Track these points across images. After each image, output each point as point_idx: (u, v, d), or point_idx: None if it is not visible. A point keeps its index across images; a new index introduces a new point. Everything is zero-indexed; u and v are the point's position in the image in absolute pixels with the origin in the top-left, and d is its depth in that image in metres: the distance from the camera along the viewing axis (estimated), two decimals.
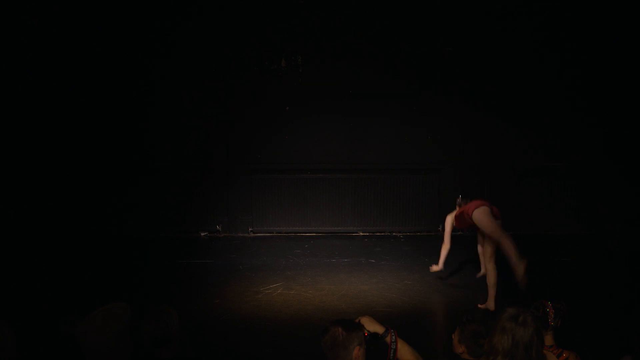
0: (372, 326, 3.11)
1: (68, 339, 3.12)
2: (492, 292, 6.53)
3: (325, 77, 9.57)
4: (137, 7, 9.20)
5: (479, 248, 7.07)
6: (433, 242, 9.47)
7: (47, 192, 9.27)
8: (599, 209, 9.66)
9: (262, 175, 9.81)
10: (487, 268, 6.62)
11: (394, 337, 3.13)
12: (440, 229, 9.81)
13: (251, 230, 9.90)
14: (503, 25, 9.31)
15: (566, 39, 9.32)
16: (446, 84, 9.52)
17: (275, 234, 9.89)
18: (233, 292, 7.32)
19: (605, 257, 8.60)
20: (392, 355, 3.10)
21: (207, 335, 5.91)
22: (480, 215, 6.47)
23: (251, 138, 9.76)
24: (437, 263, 7.35)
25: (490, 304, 6.49)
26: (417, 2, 9.39)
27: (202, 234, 9.89)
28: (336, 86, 9.60)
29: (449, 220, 7.11)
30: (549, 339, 4.03)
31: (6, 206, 8.87)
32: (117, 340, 2.89)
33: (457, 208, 6.93)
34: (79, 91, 9.33)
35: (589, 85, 9.39)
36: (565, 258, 8.62)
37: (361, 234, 9.90)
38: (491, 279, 6.54)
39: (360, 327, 3.03)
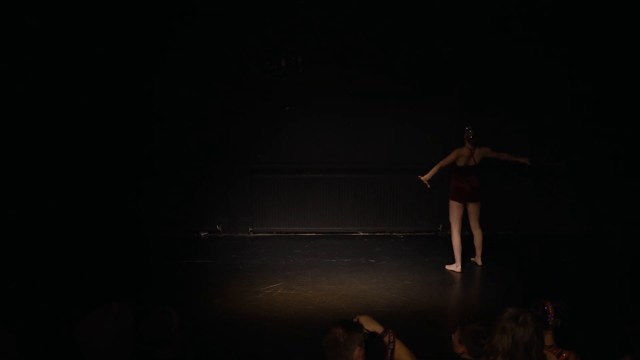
0: (371, 325, 3.11)
1: (68, 339, 3.11)
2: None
3: (325, 77, 9.56)
4: (136, 7, 9.20)
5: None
6: (433, 242, 9.51)
7: (47, 192, 9.26)
8: (599, 209, 9.66)
9: (262, 175, 9.81)
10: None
11: (392, 337, 3.13)
12: (440, 228, 9.83)
13: (251, 230, 9.90)
14: (503, 25, 9.30)
15: (566, 39, 9.32)
16: (446, 84, 9.52)
17: (275, 234, 9.89)
18: (233, 292, 7.32)
19: (605, 257, 8.61)
20: (389, 355, 3.11)
21: (207, 335, 5.92)
22: None
23: (251, 138, 9.76)
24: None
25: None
26: (417, 2, 9.38)
27: (202, 234, 9.89)
28: (336, 86, 9.59)
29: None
30: (548, 339, 4.04)
31: (6, 206, 8.87)
32: (116, 340, 2.89)
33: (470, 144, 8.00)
34: (79, 91, 9.32)
35: (589, 85, 9.39)
36: (565, 258, 8.63)
37: (361, 234, 9.90)
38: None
39: (361, 327, 3.03)
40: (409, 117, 9.70)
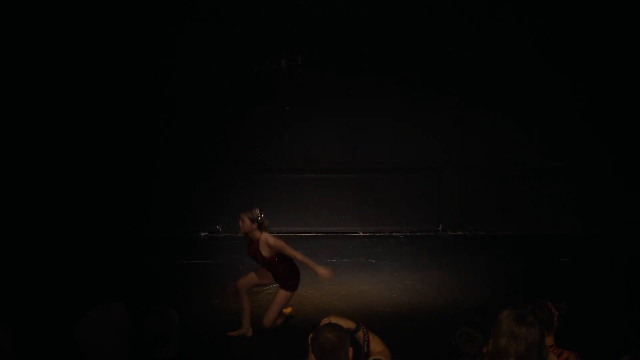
0: (344, 323, 3.13)
1: (67, 338, 3.11)
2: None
3: (325, 77, 9.56)
4: (137, 8, 9.20)
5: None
6: (433, 242, 9.50)
7: (47, 193, 9.26)
8: (599, 209, 9.65)
9: (262, 175, 9.80)
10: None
11: (365, 331, 3.16)
12: (440, 228, 9.82)
13: None
14: (503, 25, 9.30)
15: (566, 39, 9.31)
16: (446, 84, 9.51)
17: (275, 234, 9.85)
18: (233, 292, 7.30)
19: (605, 257, 8.60)
20: (366, 348, 3.14)
21: (207, 335, 5.91)
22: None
23: (251, 138, 9.76)
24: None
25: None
26: (417, 3, 9.38)
27: (202, 234, 9.88)
28: (336, 86, 9.59)
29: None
30: (549, 339, 4.03)
31: (6, 206, 8.87)
32: (115, 340, 2.89)
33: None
34: (79, 93, 9.32)
35: (589, 85, 9.39)
36: (565, 258, 8.62)
37: (361, 234, 9.89)
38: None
39: (340, 326, 3.04)
40: (409, 117, 9.70)
